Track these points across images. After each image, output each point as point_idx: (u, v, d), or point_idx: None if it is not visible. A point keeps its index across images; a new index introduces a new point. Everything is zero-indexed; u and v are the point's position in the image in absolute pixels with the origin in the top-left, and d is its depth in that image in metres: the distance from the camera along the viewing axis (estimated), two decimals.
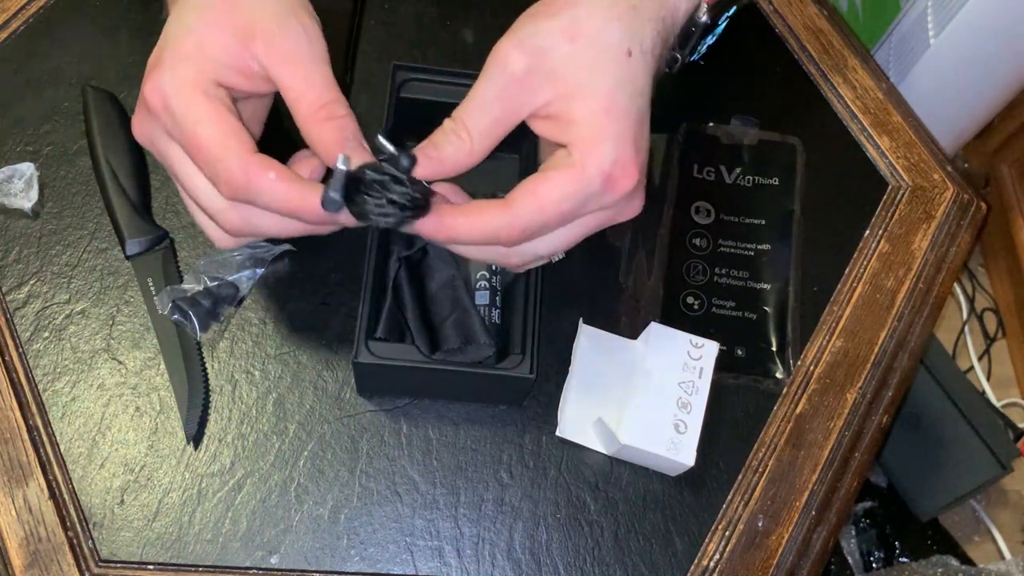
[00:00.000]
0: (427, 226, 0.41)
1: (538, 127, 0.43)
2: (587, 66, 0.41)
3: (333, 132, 0.42)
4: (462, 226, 0.41)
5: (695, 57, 0.50)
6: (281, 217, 0.42)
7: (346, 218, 0.41)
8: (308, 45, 0.44)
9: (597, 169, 0.40)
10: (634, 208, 0.44)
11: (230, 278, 0.51)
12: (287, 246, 0.53)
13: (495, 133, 0.42)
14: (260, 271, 0.52)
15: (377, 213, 0.40)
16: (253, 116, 0.46)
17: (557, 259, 0.47)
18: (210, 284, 0.50)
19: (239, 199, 0.41)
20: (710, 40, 0.51)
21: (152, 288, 0.51)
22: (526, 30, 0.41)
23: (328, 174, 0.42)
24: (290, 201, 0.41)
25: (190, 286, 0.50)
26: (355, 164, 0.41)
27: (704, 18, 0.47)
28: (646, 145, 0.43)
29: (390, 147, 0.42)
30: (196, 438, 0.48)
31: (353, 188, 0.40)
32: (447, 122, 0.42)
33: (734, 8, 0.49)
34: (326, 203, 0.40)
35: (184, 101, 0.41)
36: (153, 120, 0.42)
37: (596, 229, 0.44)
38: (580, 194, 0.41)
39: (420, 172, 0.41)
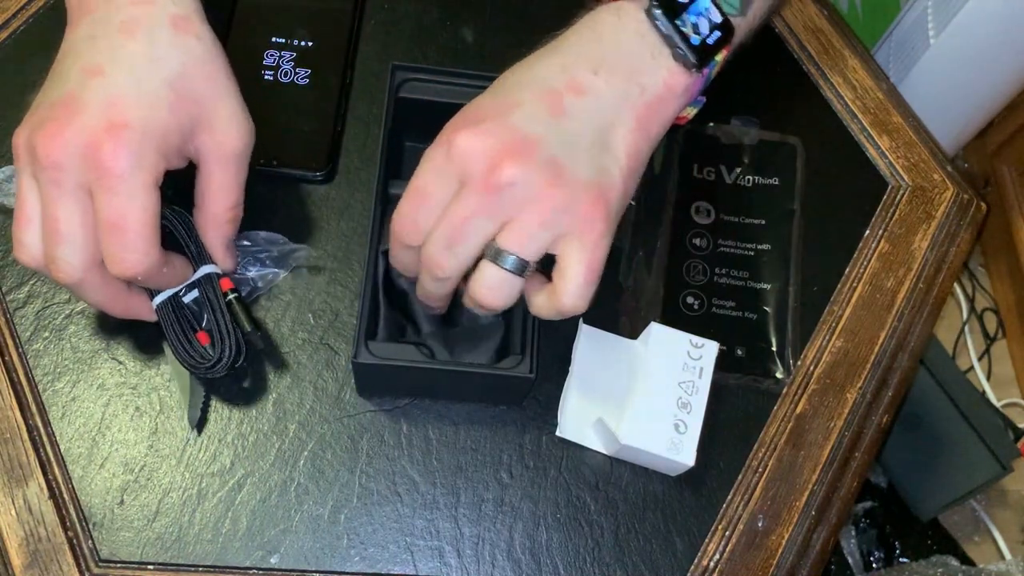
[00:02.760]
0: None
1: None
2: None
3: (229, 232, 0.48)
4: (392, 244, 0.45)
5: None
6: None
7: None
8: (242, 138, 0.46)
9: (439, 138, 0.42)
10: (491, 164, 0.40)
11: (250, 274, 0.51)
12: (308, 249, 0.53)
13: None
14: (281, 272, 0.52)
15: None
16: None
17: (486, 320, 0.49)
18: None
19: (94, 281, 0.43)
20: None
21: None
22: None
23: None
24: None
25: None
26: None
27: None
28: (505, 118, 0.41)
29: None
30: (199, 424, 0.49)
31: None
32: None
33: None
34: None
35: (137, 183, 0.41)
36: (79, 165, 0.41)
37: (480, 203, 0.40)
38: (428, 161, 0.42)
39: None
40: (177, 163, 0.45)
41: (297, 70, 0.57)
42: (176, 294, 0.48)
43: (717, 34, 0.44)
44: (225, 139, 0.45)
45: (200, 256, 0.48)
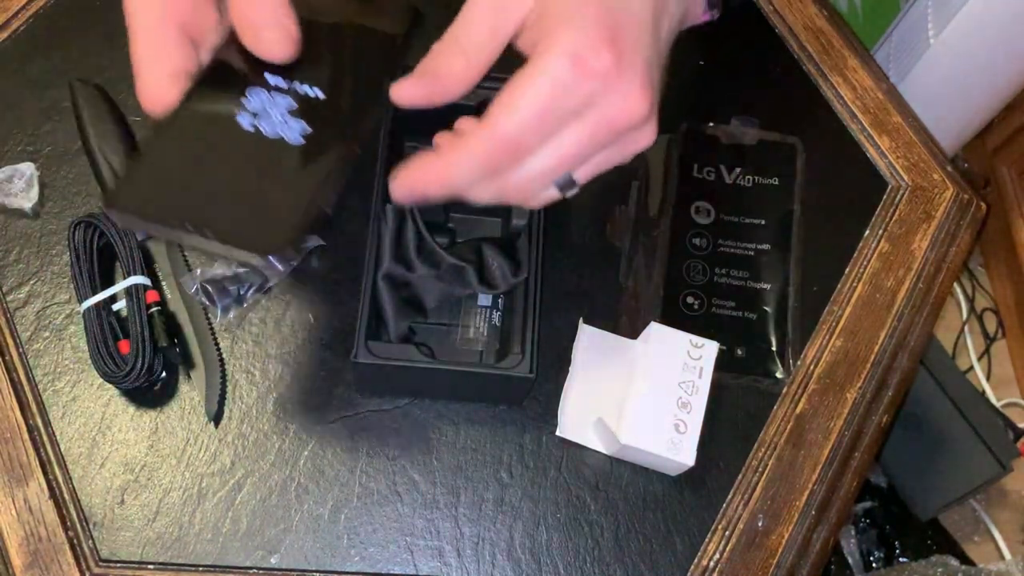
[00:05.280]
0: (415, 178, 0.40)
1: (521, 42, 0.41)
2: None
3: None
4: (452, 165, 0.39)
5: None
6: None
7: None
8: None
9: (560, 50, 0.37)
10: (629, 108, 0.38)
11: (260, 265, 0.51)
12: (318, 240, 0.53)
13: (490, 45, 0.41)
14: (293, 263, 0.52)
15: None
16: None
17: (571, 193, 0.42)
18: (240, 271, 0.51)
19: None
20: None
21: (159, 273, 0.51)
22: None
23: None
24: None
25: (221, 271, 0.51)
26: None
27: None
28: (636, 43, 0.39)
29: None
30: (217, 417, 0.49)
31: None
32: (436, 45, 0.41)
33: None
34: None
35: None
36: None
37: (595, 139, 0.39)
38: (549, 82, 0.37)
39: (418, 94, 0.40)
40: None
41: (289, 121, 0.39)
42: (105, 301, 0.48)
43: None
44: None
45: (131, 266, 0.49)
